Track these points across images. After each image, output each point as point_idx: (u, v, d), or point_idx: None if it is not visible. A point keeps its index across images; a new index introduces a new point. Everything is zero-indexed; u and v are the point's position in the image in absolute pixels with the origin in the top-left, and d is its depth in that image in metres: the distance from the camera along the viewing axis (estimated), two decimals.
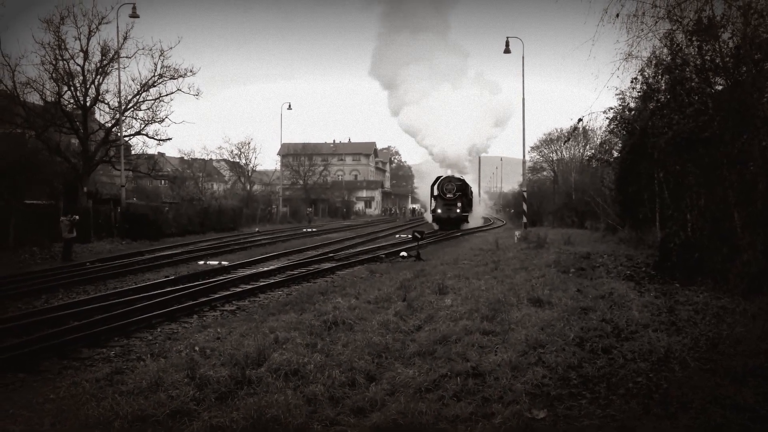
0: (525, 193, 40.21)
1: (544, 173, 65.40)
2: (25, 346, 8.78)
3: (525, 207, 39.17)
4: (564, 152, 61.35)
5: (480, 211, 58.01)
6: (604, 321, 8.44)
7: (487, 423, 5.04)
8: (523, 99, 36.89)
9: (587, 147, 52.98)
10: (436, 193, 43.51)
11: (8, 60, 33.15)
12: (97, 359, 8.53)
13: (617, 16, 12.67)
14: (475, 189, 60.49)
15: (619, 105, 19.42)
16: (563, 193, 46.57)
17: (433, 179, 45.88)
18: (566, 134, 50.45)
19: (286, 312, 10.39)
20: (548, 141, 64.84)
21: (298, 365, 6.76)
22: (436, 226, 41.07)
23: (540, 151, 66.37)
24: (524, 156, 38.96)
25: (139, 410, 5.55)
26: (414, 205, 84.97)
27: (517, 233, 29.32)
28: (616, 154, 24.27)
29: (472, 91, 56.11)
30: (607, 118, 19.70)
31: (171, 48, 38.52)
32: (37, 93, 30.54)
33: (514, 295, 10.58)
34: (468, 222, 43.51)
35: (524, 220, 38.66)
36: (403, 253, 21.73)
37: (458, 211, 41.60)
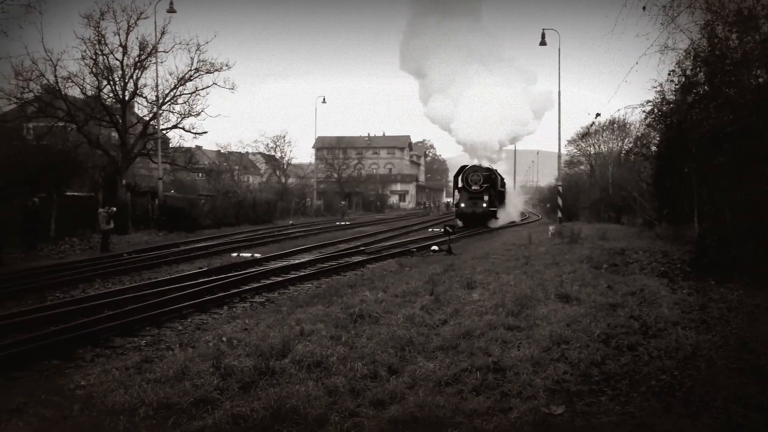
0: (560, 188, 39.70)
1: (581, 167, 64.45)
2: (61, 334, 9.06)
3: (560, 201, 38.71)
4: (602, 146, 60.35)
5: (516, 205, 52.20)
6: (632, 318, 8.31)
7: (504, 417, 5.03)
8: (559, 92, 36.60)
9: (625, 140, 52.02)
10: (460, 185, 38.58)
11: (50, 55, 34.07)
12: (128, 348, 8.75)
13: (643, 9, 12.41)
14: (510, 182, 56.35)
15: (658, 98, 19.07)
16: (600, 187, 45.89)
17: (457, 169, 40.52)
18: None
19: (314, 304, 10.48)
20: (586, 134, 63.84)
21: (321, 357, 6.83)
22: (460, 223, 36.05)
23: (577, 145, 65.43)
24: (559, 150, 38.46)
25: (164, 398, 5.67)
26: (448, 199, 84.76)
27: (551, 228, 29.01)
28: (653, 148, 23.86)
29: (506, 77, 49.32)
30: (643, 111, 19.34)
31: (207, 42, 38.94)
32: (78, 87, 31.36)
33: (542, 291, 10.49)
34: (497, 218, 38.28)
35: (559, 214, 38.24)
36: (435, 247, 21.71)
37: (484, 205, 36.46)
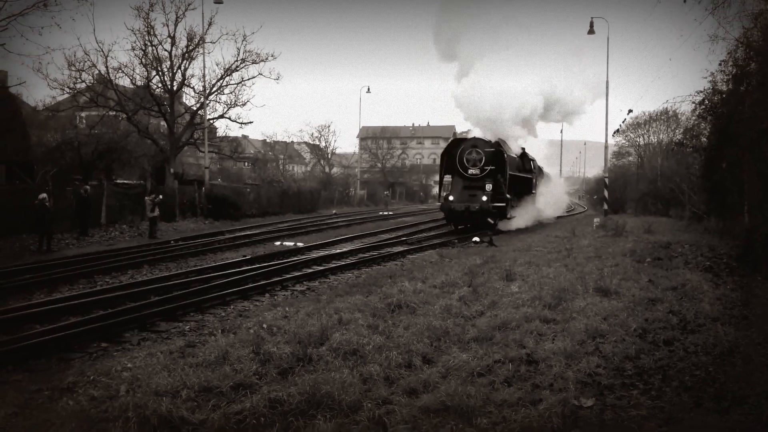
0: (606, 179, 39.03)
1: (630, 158, 63.10)
2: (110, 318, 9.45)
3: (606, 193, 38.07)
4: (651, 137, 58.93)
5: (561, 197, 41.94)
6: (671, 313, 8.22)
7: (533, 409, 5.09)
8: (607, 81, 35.58)
9: (676, 131, 50.66)
10: (452, 168, 26.55)
11: (101, 46, 35.14)
12: (172, 332, 9.08)
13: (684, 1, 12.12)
14: (554, 171, 49.70)
15: (709, 88, 18.60)
16: (648, 179, 44.91)
17: (448, 143, 29.00)
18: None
19: (353, 294, 10.65)
20: (635, 125, 62.43)
21: (357, 345, 6.98)
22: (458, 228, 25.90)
23: (626, 135, 64.02)
24: (606, 140, 37.72)
25: (205, 381, 5.90)
26: None
27: (596, 220, 28.62)
28: (703, 139, 23.24)
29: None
30: (693, 102, 18.88)
31: (253, 33, 40.19)
32: (128, 77, 32.28)
33: (581, 284, 10.42)
34: (509, 217, 26.79)
35: (605, 207, 37.62)
36: (476, 239, 21.68)
37: (484, 198, 24.62)
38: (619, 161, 61.78)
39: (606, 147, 38.98)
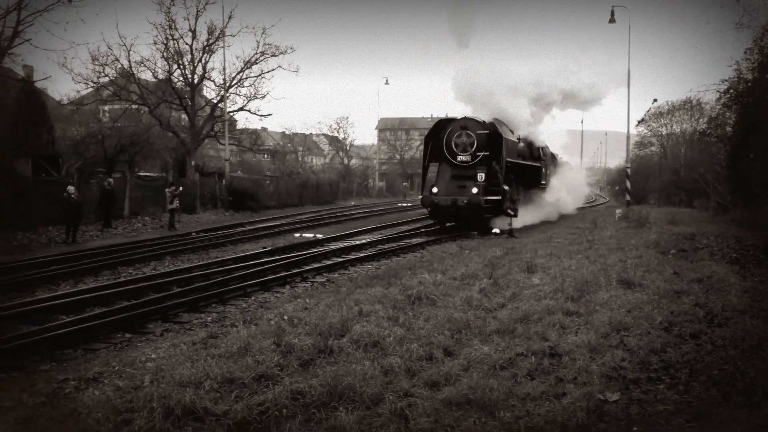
0: (628, 170, 38.53)
1: (652, 148, 62.30)
2: (133, 309, 9.55)
3: (628, 184, 37.61)
4: (674, 126, 58.04)
5: (579, 188, 38.88)
6: (697, 306, 8.09)
7: (557, 402, 5.04)
8: (629, 71, 34.92)
9: (699, 121, 49.89)
10: (437, 154, 22.82)
11: (124, 40, 35.46)
12: (195, 324, 9.15)
13: None
14: (574, 161, 46.27)
15: (734, 76, 18.28)
16: (671, 169, 44.35)
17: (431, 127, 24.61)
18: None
19: (373, 285, 10.63)
20: (657, 114, 61.54)
21: (378, 337, 6.95)
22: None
23: (648, 125, 63.16)
24: (628, 130, 37.23)
25: (228, 372, 5.92)
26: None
27: (618, 211, 28.29)
28: (728, 129, 22.87)
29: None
30: (718, 91, 18.59)
31: (272, 26, 40.14)
32: (150, 71, 32.55)
33: (604, 276, 10.30)
34: (512, 215, 21.22)
35: (627, 197, 37.18)
36: (496, 230, 21.51)
37: (475, 191, 21.02)
38: (641, 151, 61.00)
39: (628, 137, 38.45)
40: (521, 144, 25.59)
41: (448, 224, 22.48)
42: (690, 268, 11.39)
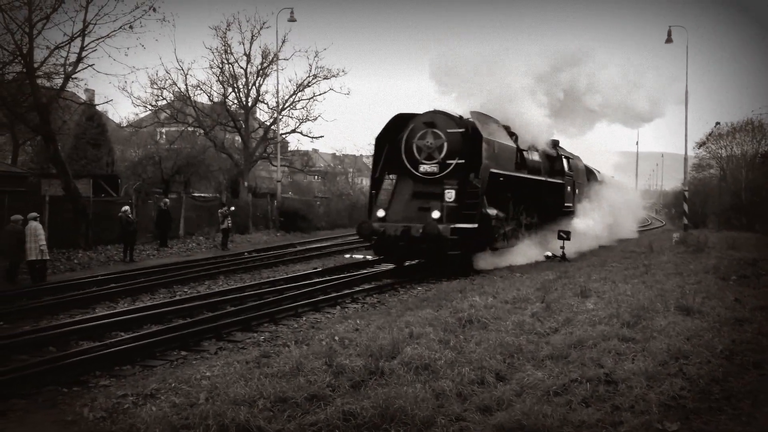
0: (686, 193, 37.49)
1: (711, 171, 60.49)
2: (188, 327, 9.77)
3: (686, 207, 36.57)
4: (734, 148, 56.25)
5: (634, 211, 34.16)
6: (760, 334, 7.78)
7: (613, 431, 4.91)
8: (686, 91, 34.16)
9: (762, 142, 48.25)
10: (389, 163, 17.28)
11: (181, 65, 36.74)
12: (248, 343, 9.30)
13: None
14: (629, 183, 41.37)
15: None
16: (731, 192, 42.92)
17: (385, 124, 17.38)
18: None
19: (423, 308, 10.60)
20: (717, 136, 59.74)
21: (429, 360, 6.92)
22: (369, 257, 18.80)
23: (707, 147, 61.34)
24: (686, 152, 36.28)
25: (280, 392, 5.99)
26: None
27: (675, 235, 27.51)
28: None
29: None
30: None
31: (325, 50, 40.63)
32: (206, 94, 33.60)
33: (661, 302, 10.01)
34: (495, 248, 17.23)
35: (684, 221, 36.13)
36: (548, 253, 21.18)
37: (436, 215, 15.26)
38: (699, 174, 59.30)
39: (686, 158, 37.46)
40: (527, 152, 19.32)
41: (407, 263, 16.83)
42: (752, 295, 10.97)
